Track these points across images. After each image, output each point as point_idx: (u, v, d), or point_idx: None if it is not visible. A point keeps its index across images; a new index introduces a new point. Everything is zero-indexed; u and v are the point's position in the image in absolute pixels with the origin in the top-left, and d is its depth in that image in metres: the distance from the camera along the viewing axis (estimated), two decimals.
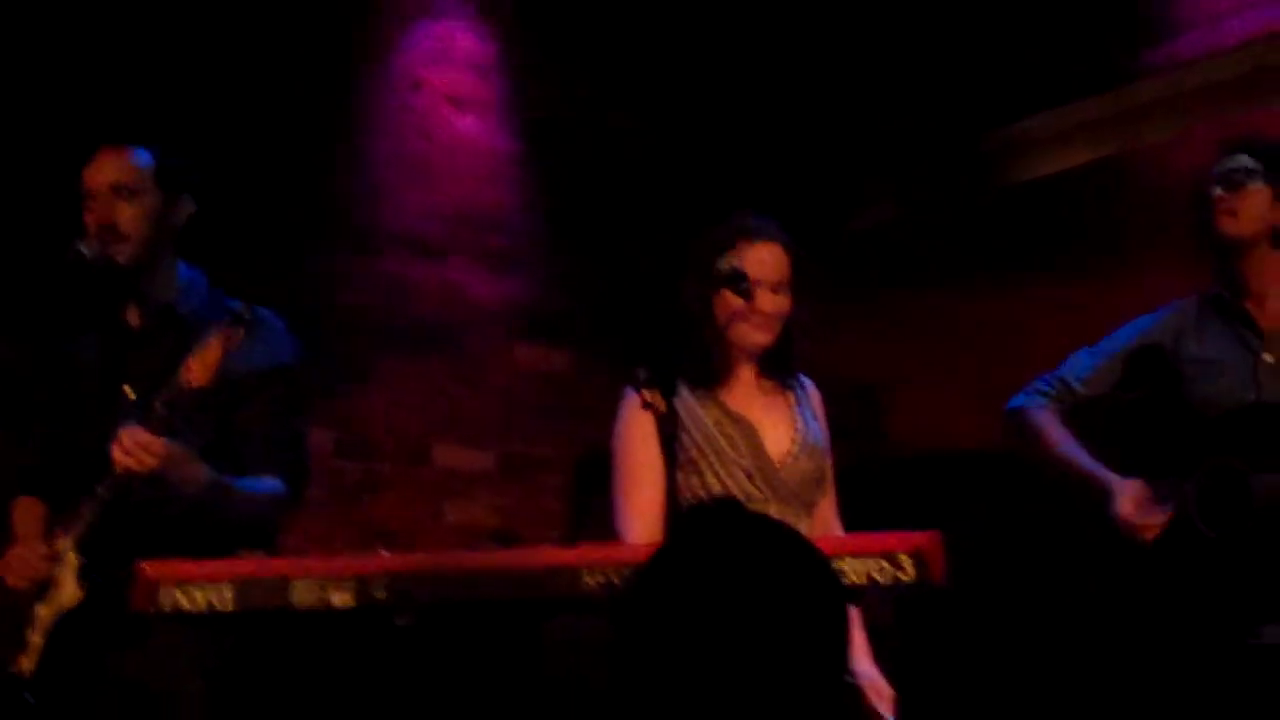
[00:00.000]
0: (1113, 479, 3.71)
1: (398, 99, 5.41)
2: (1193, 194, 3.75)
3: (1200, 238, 3.76)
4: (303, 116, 4.99)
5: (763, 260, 3.26)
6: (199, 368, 3.06)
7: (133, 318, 3.42)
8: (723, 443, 3.24)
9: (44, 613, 3.20)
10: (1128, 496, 3.66)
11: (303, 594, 2.64)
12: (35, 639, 3.18)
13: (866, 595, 2.85)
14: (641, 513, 3.14)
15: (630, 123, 5.79)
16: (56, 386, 3.46)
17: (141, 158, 3.36)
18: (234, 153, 4.66)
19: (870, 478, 5.33)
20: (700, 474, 3.22)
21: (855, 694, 3.27)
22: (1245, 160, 3.69)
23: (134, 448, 3.06)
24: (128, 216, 3.32)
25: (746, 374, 3.35)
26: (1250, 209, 3.67)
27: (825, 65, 5.84)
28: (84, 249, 3.28)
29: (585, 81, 5.75)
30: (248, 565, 2.77)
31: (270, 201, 4.82)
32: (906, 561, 2.62)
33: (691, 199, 5.27)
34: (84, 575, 3.18)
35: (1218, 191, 3.68)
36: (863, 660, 3.35)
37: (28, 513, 3.45)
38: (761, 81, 5.87)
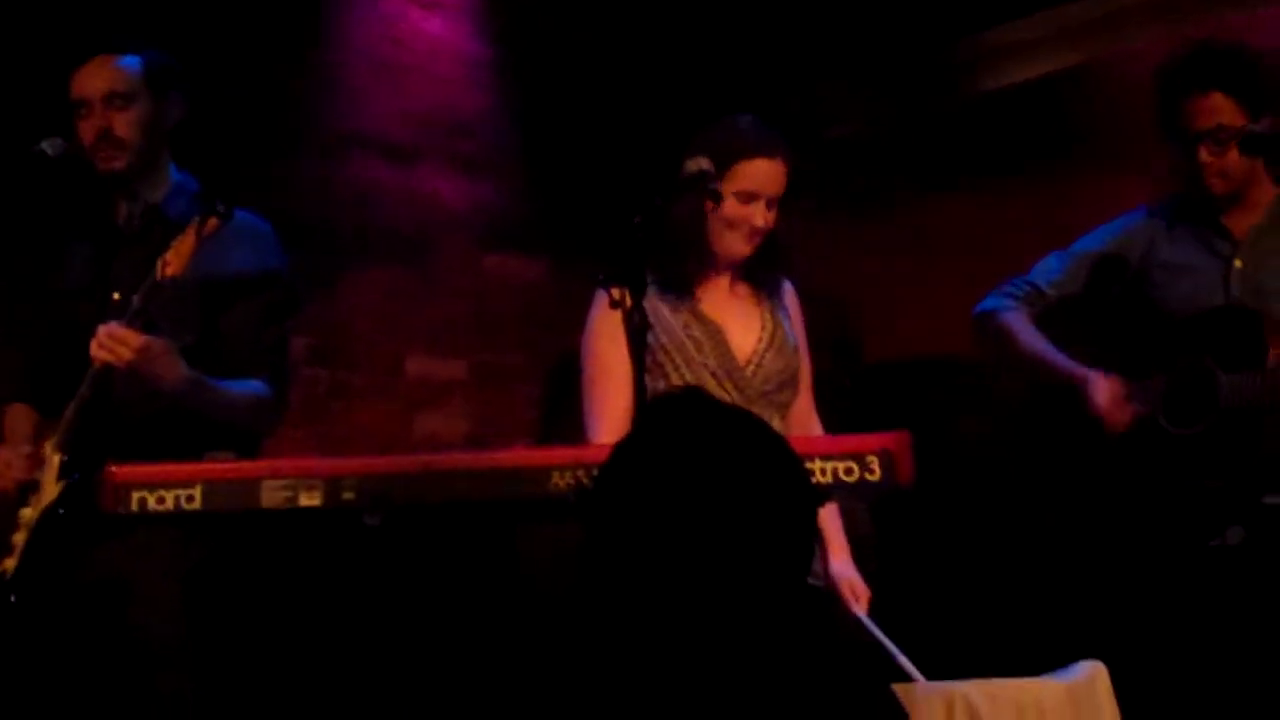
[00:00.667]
0: (1089, 373, 3.73)
1: (365, 2, 5.34)
2: (1172, 142, 3.71)
3: (1181, 178, 3.74)
4: (268, 21, 4.92)
5: (763, 176, 3.25)
6: (175, 257, 3.09)
7: (123, 221, 3.43)
8: (689, 346, 3.25)
9: (27, 514, 3.23)
10: (1103, 389, 3.68)
11: (271, 495, 2.65)
12: (18, 539, 3.21)
13: (836, 497, 2.89)
14: (610, 414, 3.15)
15: (603, 26, 5.72)
16: (47, 290, 3.48)
17: (132, 64, 3.39)
18: (198, 58, 4.59)
19: (844, 386, 5.37)
20: (666, 377, 3.23)
21: (827, 595, 3.30)
22: (1220, 102, 3.63)
23: (109, 341, 3.09)
24: (123, 122, 3.36)
25: (721, 278, 3.35)
26: (1237, 163, 3.65)
27: None
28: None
29: None
30: (216, 467, 2.78)
31: (236, 107, 4.76)
32: (874, 462, 2.64)
33: (663, 103, 5.23)
34: (62, 474, 3.19)
35: (1205, 156, 3.64)
36: (840, 560, 3.38)
37: (18, 417, 3.48)
38: None
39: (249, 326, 3.38)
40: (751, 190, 3.23)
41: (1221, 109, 3.60)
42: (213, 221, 3.09)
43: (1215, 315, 3.66)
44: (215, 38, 4.72)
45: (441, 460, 2.68)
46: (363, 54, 5.33)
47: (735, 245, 3.28)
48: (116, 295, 3.31)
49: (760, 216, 3.26)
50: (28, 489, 3.25)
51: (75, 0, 4.35)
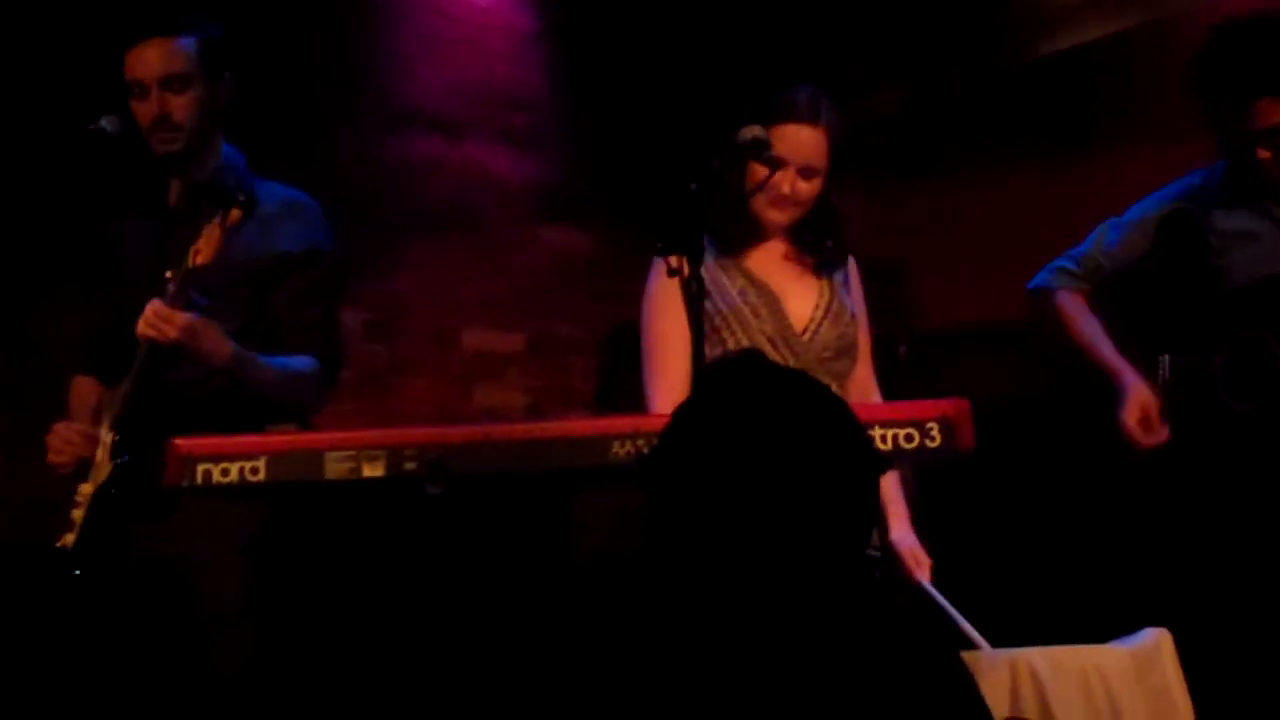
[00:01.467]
0: (1130, 381, 3.69)
1: None
2: (1231, 142, 3.67)
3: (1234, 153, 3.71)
4: None
5: (797, 140, 3.21)
6: (205, 246, 3.11)
7: (174, 199, 3.45)
8: (746, 311, 3.24)
9: (85, 490, 3.26)
10: (1136, 405, 3.66)
11: (334, 466, 2.66)
12: (77, 515, 3.24)
13: (896, 462, 2.88)
14: (670, 383, 3.15)
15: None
16: (105, 267, 3.51)
17: (187, 45, 3.37)
18: (249, 34, 4.61)
19: (898, 355, 5.35)
20: (724, 343, 3.21)
21: (886, 562, 3.30)
22: (1272, 106, 3.58)
23: (154, 319, 3.12)
24: (180, 106, 3.36)
25: (775, 242, 3.33)
26: None
27: None
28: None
29: None
30: (280, 439, 2.80)
31: (287, 82, 4.78)
32: (934, 429, 2.64)
33: (714, 73, 5.21)
34: (116, 453, 3.23)
35: (1262, 153, 3.60)
36: (901, 527, 3.37)
37: (84, 390, 3.52)
38: None
39: (296, 303, 3.39)
40: (783, 156, 3.17)
41: (1271, 112, 3.55)
42: (235, 213, 3.10)
43: (1272, 284, 3.63)
44: (264, 14, 4.74)
45: (503, 430, 2.69)
46: (411, 29, 5.34)
47: (771, 214, 3.24)
48: (169, 274, 3.34)
49: (787, 183, 3.21)
50: (87, 464, 3.28)
51: None
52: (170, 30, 3.37)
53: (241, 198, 3.11)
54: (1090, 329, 3.82)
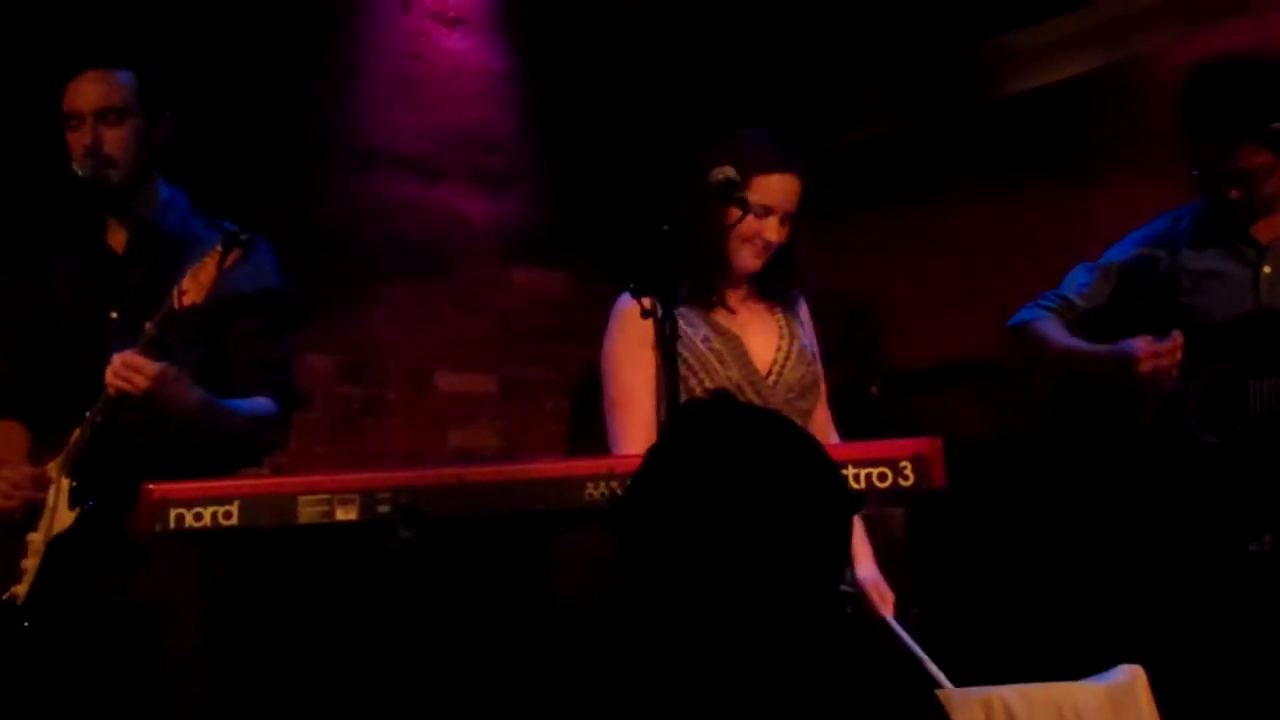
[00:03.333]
0: (1119, 345, 3.70)
1: (387, 18, 5.36)
2: (1199, 167, 3.72)
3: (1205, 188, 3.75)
4: (292, 37, 4.95)
5: (782, 189, 3.24)
6: (193, 286, 3.05)
7: (115, 239, 3.41)
8: (711, 358, 3.24)
9: (36, 539, 3.20)
10: (1141, 344, 3.64)
11: (308, 510, 2.66)
12: (28, 564, 3.19)
13: (868, 502, 2.88)
14: (634, 428, 3.15)
15: (623, 40, 5.73)
16: (34, 309, 3.42)
17: (125, 79, 3.35)
18: (223, 74, 4.62)
19: (869, 394, 5.36)
20: (690, 390, 3.21)
21: (856, 599, 3.30)
22: (1251, 151, 3.63)
23: (124, 370, 3.06)
24: (115, 140, 3.32)
25: (737, 290, 3.35)
26: (1267, 195, 3.66)
27: None
28: (78, 170, 3.28)
29: None
30: (253, 483, 2.78)
31: (261, 124, 4.78)
32: (907, 467, 2.65)
33: (685, 114, 5.23)
34: (76, 499, 3.19)
35: (1235, 194, 3.66)
36: (866, 564, 3.37)
37: (10, 435, 3.43)
38: None
39: (253, 344, 3.37)
40: (768, 204, 3.21)
41: (1252, 156, 3.61)
42: (235, 253, 3.05)
43: (1245, 321, 3.66)
44: (238, 55, 4.75)
45: (476, 472, 2.69)
46: (384, 71, 5.35)
47: (747, 259, 3.26)
48: (114, 314, 3.30)
49: (773, 231, 3.24)
50: (33, 511, 3.22)
51: (88, 11, 4.36)
52: (108, 63, 3.35)
53: (244, 237, 3.06)
54: (1068, 339, 3.85)
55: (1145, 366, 3.61)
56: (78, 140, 3.31)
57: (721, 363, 3.24)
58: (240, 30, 4.77)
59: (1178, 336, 3.61)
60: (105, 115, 3.31)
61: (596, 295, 3.48)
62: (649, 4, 5.77)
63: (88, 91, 3.31)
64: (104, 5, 4.36)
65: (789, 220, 3.27)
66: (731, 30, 5.80)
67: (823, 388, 3.44)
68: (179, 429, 3.20)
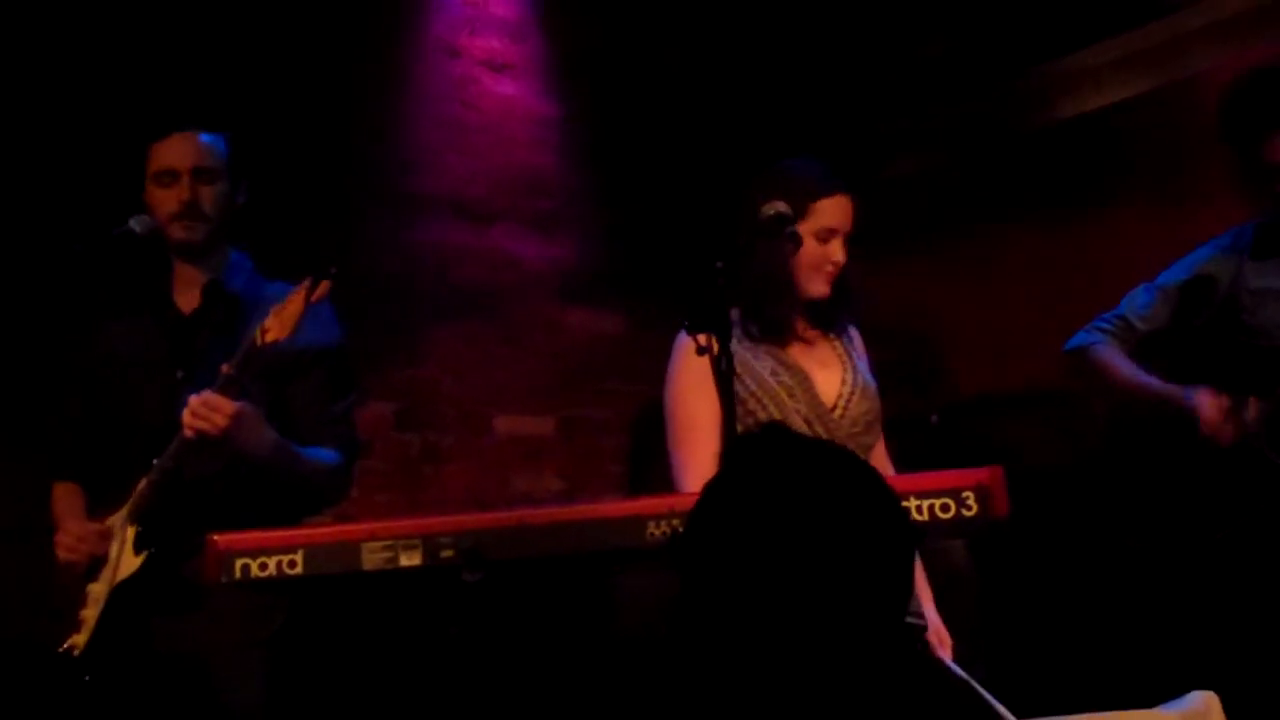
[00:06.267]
0: (1187, 393, 3.68)
1: (435, 67, 5.40)
2: (1248, 172, 3.70)
3: (1259, 205, 3.73)
4: (342, 88, 5.00)
5: (843, 210, 3.26)
6: (276, 323, 3.08)
7: (182, 298, 3.46)
8: (780, 392, 3.23)
9: (97, 589, 3.23)
10: (1209, 403, 3.64)
11: (371, 556, 2.66)
12: (88, 615, 3.21)
13: (931, 535, 2.86)
14: (700, 462, 3.14)
15: (670, 78, 5.75)
16: (96, 369, 3.47)
17: (217, 142, 3.43)
18: (274, 126, 4.67)
19: (924, 423, 5.33)
20: (758, 424, 3.20)
21: (919, 635, 3.27)
22: None
23: (203, 409, 3.09)
24: (209, 199, 3.39)
25: (796, 320, 3.35)
26: None
27: (865, 5, 5.79)
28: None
29: (621, 39, 5.72)
30: (317, 531, 2.78)
31: (314, 175, 4.83)
32: (970, 497, 2.63)
33: (733, 150, 5.24)
34: (142, 544, 3.21)
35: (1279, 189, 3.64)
36: (927, 605, 3.35)
37: (69, 497, 3.48)
38: (800, 27, 5.82)
39: (315, 398, 3.41)
40: (831, 227, 3.23)
41: None
42: (324, 285, 3.07)
43: None
44: (290, 108, 4.80)
45: (537, 514, 2.68)
46: (435, 119, 5.39)
47: (817, 285, 3.27)
48: (180, 373, 3.33)
49: (839, 252, 3.26)
50: (96, 564, 3.26)
51: (145, 68, 4.43)
52: (204, 124, 3.43)
53: (333, 270, 3.08)
54: (1130, 369, 3.83)
55: (1208, 430, 3.61)
56: (172, 197, 3.38)
57: (791, 396, 3.23)
58: (291, 83, 4.82)
59: (1252, 407, 3.59)
60: (202, 175, 3.39)
61: (652, 334, 3.48)
62: (693, 44, 5.79)
63: (184, 151, 3.39)
64: (183, 67, 4.43)
65: (848, 241, 3.28)
66: (777, 65, 5.82)
67: (880, 422, 3.43)
68: (250, 472, 3.23)
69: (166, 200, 3.38)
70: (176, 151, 3.39)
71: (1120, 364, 3.86)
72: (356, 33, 5.10)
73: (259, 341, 3.09)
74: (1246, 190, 3.78)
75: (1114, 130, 5.50)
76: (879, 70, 5.83)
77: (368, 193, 5.12)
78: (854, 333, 3.45)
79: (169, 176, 3.38)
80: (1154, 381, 3.79)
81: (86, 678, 3.17)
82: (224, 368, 3.13)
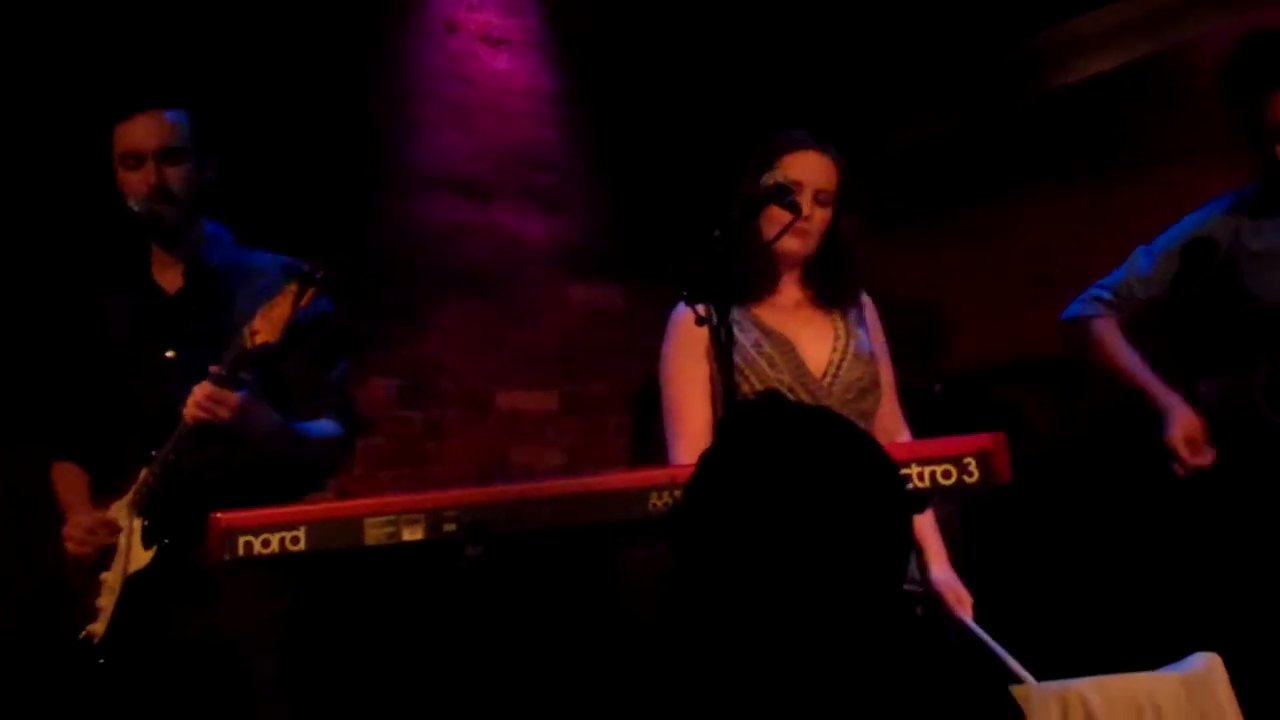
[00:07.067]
0: (1172, 403, 3.70)
1: (434, 42, 5.39)
2: (1247, 136, 3.69)
3: (1259, 169, 3.72)
4: (340, 65, 4.99)
5: (809, 166, 3.25)
6: (265, 325, 3.05)
7: (164, 277, 3.45)
8: (761, 362, 3.23)
9: (110, 578, 3.25)
10: (1181, 426, 3.65)
11: (374, 531, 2.67)
12: (104, 604, 3.23)
13: (935, 499, 2.87)
14: (690, 434, 3.14)
15: (669, 50, 5.74)
16: (92, 350, 3.47)
17: (180, 119, 3.39)
18: (273, 104, 4.66)
19: (929, 392, 5.33)
20: (741, 395, 3.19)
21: (930, 600, 3.28)
22: None
23: (207, 402, 3.09)
24: (176, 179, 3.36)
25: (789, 290, 3.34)
26: None
27: None
28: (135, 207, 3.31)
29: (619, 10, 5.70)
30: (318, 508, 2.78)
31: (313, 153, 4.82)
32: (971, 464, 2.62)
33: (735, 123, 5.23)
34: (151, 538, 3.22)
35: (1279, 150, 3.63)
36: (941, 565, 3.35)
37: (71, 478, 3.49)
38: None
39: (310, 368, 3.40)
40: (798, 179, 3.21)
41: None
42: (311, 291, 3.04)
43: None
44: (287, 87, 4.80)
45: (539, 487, 2.68)
46: (434, 96, 5.38)
47: (792, 242, 3.24)
48: (170, 353, 3.33)
49: (809, 206, 3.23)
50: (105, 552, 3.27)
51: (137, 48, 4.42)
52: (163, 103, 3.39)
53: (319, 275, 3.05)
54: (1127, 354, 3.84)
55: (1174, 450, 3.62)
56: (139, 179, 3.34)
57: (771, 366, 3.23)
58: (288, 62, 4.82)
59: (1209, 456, 3.64)
60: (167, 155, 3.35)
61: (656, 308, 3.48)
62: (693, 15, 5.77)
63: (147, 131, 3.35)
64: (152, 44, 4.41)
65: (827, 203, 3.27)
66: (778, 37, 5.80)
67: (888, 384, 3.43)
68: (254, 456, 3.24)
69: (134, 183, 3.35)
70: (140, 133, 3.35)
71: (1114, 343, 3.87)
72: (354, 9, 5.09)
73: (248, 344, 3.06)
74: (1248, 153, 3.77)
75: (1113, 97, 5.48)
76: (878, 44, 5.81)
77: (367, 170, 5.11)
78: (867, 304, 3.44)
79: (134, 159, 3.35)
80: (1142, 372, 3.81)
81: (101, 661, 3.19)
82: (213, 369, 3.11)
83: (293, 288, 3.04)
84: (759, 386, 3.20)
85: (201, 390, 3.10)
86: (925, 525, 3.34)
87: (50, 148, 4.28)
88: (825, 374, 3.27)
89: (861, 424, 3.19)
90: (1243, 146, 3.76)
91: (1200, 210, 3.91)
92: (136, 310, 3.43)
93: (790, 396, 3.19)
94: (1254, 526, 3.60)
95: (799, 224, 3.19)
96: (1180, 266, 3.87)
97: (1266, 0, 4.96)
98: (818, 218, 3.27)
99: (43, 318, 3.97)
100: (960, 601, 3.28)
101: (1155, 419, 3.71)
